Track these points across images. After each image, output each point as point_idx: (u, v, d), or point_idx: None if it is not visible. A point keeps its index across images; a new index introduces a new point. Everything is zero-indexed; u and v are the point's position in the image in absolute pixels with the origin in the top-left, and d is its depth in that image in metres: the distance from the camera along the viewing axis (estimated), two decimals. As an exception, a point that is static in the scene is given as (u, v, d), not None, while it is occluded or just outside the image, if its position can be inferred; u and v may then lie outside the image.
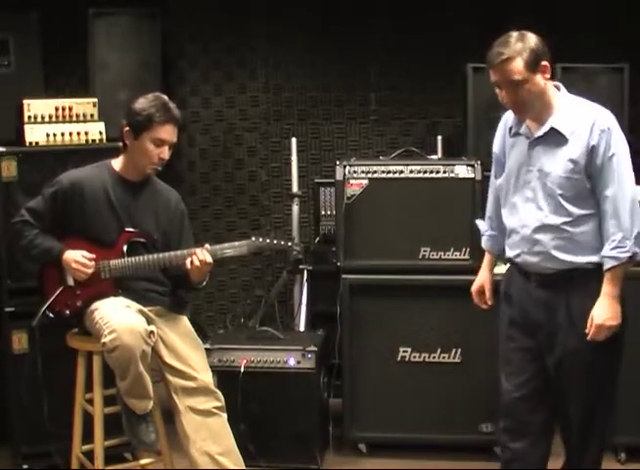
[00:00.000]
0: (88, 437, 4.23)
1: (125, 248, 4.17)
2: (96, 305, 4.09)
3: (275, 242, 4.28)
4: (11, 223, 4.27)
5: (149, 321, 4.05)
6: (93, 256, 4.14)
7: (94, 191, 4.19)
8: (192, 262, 4.09)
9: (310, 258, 5.90)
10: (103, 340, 3.89)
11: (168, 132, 4.14)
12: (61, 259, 4.14)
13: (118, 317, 3.93)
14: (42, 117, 4.87)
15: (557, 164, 3.64)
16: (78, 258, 4.12)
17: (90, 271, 4.13)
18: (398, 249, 5.01)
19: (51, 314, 4.19)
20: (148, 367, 4.01)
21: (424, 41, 6.18)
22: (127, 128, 4.16)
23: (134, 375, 3.93)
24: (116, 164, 4.28)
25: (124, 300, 4.11)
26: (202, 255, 4.10)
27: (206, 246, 4.15)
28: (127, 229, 4.19)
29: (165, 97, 4.23)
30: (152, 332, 3.98)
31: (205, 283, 4.31)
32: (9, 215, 4.35)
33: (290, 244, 4.36)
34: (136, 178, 4.25)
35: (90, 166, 4.31)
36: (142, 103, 4.15)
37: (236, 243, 4.20)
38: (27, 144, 4.81)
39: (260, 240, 4.23)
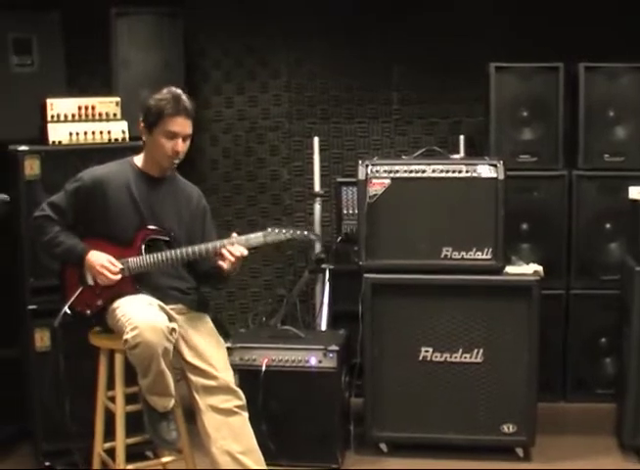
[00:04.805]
0: (109, 435, 4.24)
1: (143, 246, 4.18)
2: (118, 302, 4.10)
3: (292, 232, 4.27)
4: (32, 218, 4.26)
5: (170, 319, 4.05)
6: (120, 266, 4.14)
7: (116, 187, 4.20)
8: (230, 253, 4.11)
9: (332, 257, 5.90)
10: (125, 337, 3.89)
11: (179, 124, 4.15)
12: (83, 260, 4.15)
13: (140, 314, 3.93)
14: (65, 116, 4.88)
15: None
16: (105, 264, 4.12)
17: (116, 278, 4.12)
18: (420, 248, 5.00)
19: (69, 312, 4.18)
20: (169, 364, 4.01)
21: (446, 40, 6.15)
22: (142, 124, 4.20)
23: (156, 372, 3.94)
24: (138, 160, 4.31)
25: (146, 297, 4.11)
26: (235, 250, 4.11)
27: (234, 235, 4.17)
28: (144, 227, 4.20)
29: (178, 90, 4.23)
30: (173, 329, 3.97)
31: (235, 272, 4.30)
32: (32, 214, 4.35)
33: (306, 233, 4.34)
34: (157, 173, 4.27)
35: (113, 163, 4.33)
36: (154, 99, 4.20)
37: (252, 235, 4.21)
38: (50, 143, 4.83)
39: (277, 231, 4.23)
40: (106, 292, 4.16)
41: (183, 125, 4.16)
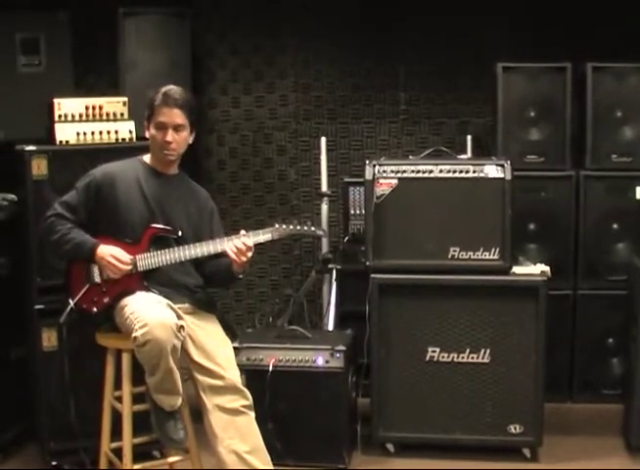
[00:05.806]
0: (116, 434, 4.24)
1: (150, 243, 4.20)
2: (126, 300, 4.11)
3: (299, 227, 4.36)
4: (44, 218, 4.27)
5: (178, 317, 4.06)
6: (129, 256, 4.16)
7: (127, 182, 4.25)
8: (237, 248, 4.14)
9: (339, 257, 5.89)
10: (134, 334, 3.90)
11: (165, 114, 4.23)
12: (94, 254, 4.15)
13: (150, 311, 3.94)
14: (72, 116, 4.89)
15: None
16: (115, 253, 4.13)
17: (126, 268, 4.14)
18: (427, 249, 5.00)
19: (73, 308, 4.19)
20: (177, 362, 4.01)
21: (453, 40, 6.15)
22: (145, 123, 4.32)
23: (164, 370, 3.94)
24: (147, 158, 4.39)
25: (153, 295, 4.13)
26: (241, 243, 4.15)
27: (243, 232, 4.21)
28: (152, 224, 4.22)
29: (172, 86, 4.33)
30: (182, 326, 3.99)
31: (244, 273, 4.34)
32: (39, 214, 4.37)
33: (313, 228, 4.41)
34: (162, 169, 4.34)
35: (123, 160, 4.39)
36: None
37: (260, 231, 4.26)
38: (58, 142, 4.83)
39: (284, 227, 4.31)
40: (113, 289, 4.17)
41: (170, 115, 4.23)
